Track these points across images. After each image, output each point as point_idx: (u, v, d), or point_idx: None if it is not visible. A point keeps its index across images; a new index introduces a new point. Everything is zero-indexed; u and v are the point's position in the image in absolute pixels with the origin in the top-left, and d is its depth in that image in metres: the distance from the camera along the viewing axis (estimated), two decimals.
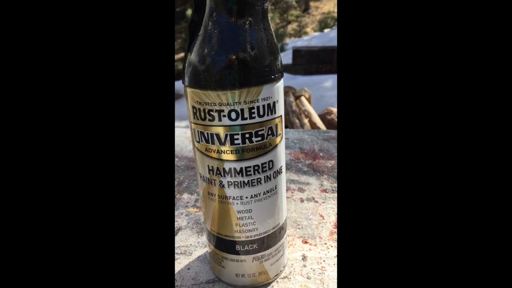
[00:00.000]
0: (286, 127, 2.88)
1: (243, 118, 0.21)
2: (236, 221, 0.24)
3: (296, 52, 4.71)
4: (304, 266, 0.29)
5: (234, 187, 0.23)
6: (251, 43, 0.21)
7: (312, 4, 12.21)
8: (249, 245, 0.25)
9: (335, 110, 2.82)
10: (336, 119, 2.75)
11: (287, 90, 2.57)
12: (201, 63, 0.21)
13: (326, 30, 8.42)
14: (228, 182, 0.23)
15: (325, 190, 0.42)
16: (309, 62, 4.62)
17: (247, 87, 0.21)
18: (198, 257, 0.31)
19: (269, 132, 0.23)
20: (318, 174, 0.46)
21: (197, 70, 0.21)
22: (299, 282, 0.28)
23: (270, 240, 0.26)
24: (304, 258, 0.30)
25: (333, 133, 0.62)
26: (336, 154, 0.52)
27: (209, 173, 0.24)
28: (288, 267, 0.29)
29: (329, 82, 4.06)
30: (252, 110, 0.21)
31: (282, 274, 0.28)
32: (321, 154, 0.53)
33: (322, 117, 2.67)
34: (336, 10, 11.33)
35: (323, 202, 0.39)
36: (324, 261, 0.30)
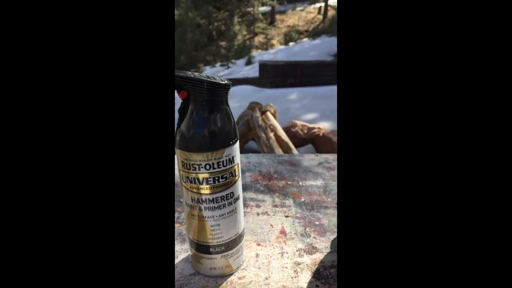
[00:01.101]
0: (252, 139, 3.03)
1: (214, 168, 0.34)
2: (209, 232, 0.37)
3: (263, 66, 4.95)
4: (257, 260, 0.43)
5: (208, 210, 0.36)
6: (216, 123, 0.34)
7: (277, 17, 12.61)
8: (219, 247, 0.38)
9: (299, 123, 3.02)
10: (300, 132, 2.94)
11: (254, 105, 2.73)
12: (187, 135, 0.34)
13: (291, 44, 8.82)
14: (204, 207, 0.36)
15: (275, 205, 0.56)
16: (275, 75, 4.86)
17: (215, 150, 0.34)
18: (182, 259, 0.44)
19: (230, 175, 0.36)
20: (272, 192, 0.60)
21: (184, 139, 0.34)
22: (253, 271, 0.41)
23: (233, 244, 0.39)
24: (257, 255, 0.44)
25: (286, 156, 0.76)
26: (287, 175, 0.66)
27: (191, 201, 0.36)
28: (246, 262, 0.42)
29: (294, 95, 4.30)
30: (219, 163, 0.34)
31: (242, 267, 0.41)
32: (275, 175, 0.67)
33: (287, 130, 2.86)
34: (299, 23, 11.83)
35: (273, 215, 0.53)
36: (270, 257, 0.43)
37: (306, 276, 0.40)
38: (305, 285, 0.39)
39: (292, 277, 0.40)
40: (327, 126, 3.27)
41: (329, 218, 0.52)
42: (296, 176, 0.66)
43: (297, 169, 0.70)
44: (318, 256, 0.44)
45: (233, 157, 0.36)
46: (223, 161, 0.35)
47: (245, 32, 11.52)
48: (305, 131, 2.88)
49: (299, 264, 0.42)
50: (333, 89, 4.24)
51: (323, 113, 3.63)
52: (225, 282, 0.39)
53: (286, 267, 0.42)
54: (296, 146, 2.81)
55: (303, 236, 0.48)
